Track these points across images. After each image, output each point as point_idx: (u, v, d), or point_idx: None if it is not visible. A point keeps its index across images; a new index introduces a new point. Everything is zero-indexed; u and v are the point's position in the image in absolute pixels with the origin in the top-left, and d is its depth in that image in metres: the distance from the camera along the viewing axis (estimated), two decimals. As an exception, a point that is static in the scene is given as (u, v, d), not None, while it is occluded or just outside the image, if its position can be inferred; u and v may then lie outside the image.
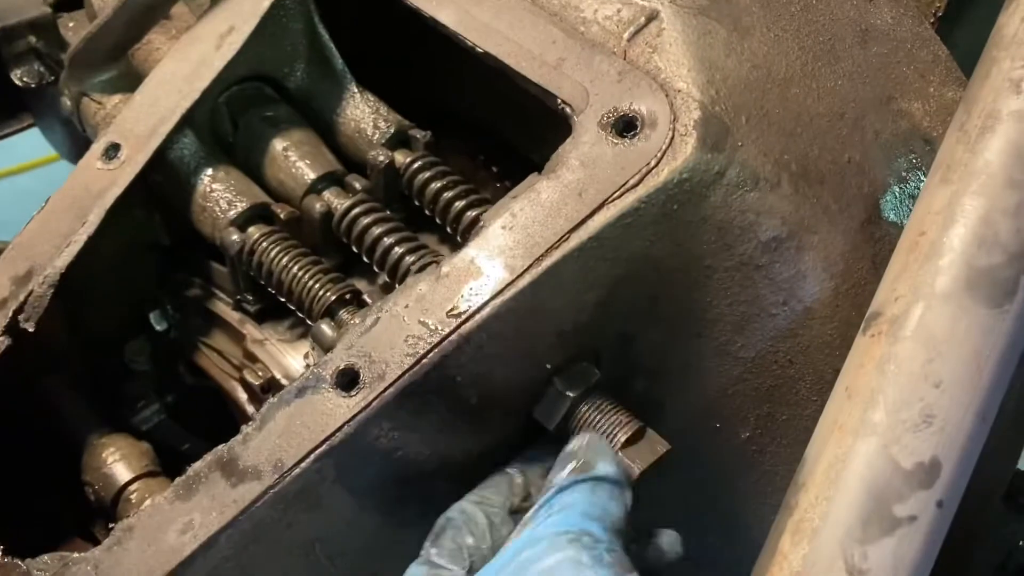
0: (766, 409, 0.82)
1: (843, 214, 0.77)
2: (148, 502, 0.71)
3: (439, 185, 0.92)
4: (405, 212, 0.96)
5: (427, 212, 0.94)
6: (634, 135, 0.73)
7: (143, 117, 0.87)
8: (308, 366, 0.88)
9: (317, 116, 0.99)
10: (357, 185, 0.94)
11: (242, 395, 0.93)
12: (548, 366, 0.76)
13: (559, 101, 0.76)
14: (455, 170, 0.95)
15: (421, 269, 0.86)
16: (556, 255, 0.71)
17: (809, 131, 0.77)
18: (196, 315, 1.00)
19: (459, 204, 0.91)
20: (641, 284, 0.75)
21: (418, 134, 0.97)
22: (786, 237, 0.75)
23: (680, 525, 0.78)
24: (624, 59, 0.76)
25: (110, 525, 0.89)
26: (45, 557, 0.74)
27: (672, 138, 0.72)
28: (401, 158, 0.95)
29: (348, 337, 0.73)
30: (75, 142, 1.20)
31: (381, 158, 0.94)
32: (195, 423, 1.11)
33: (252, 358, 0.91)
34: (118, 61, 0.98)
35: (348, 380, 0.71)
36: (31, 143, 1.41)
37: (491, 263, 0.72)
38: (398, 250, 0.88)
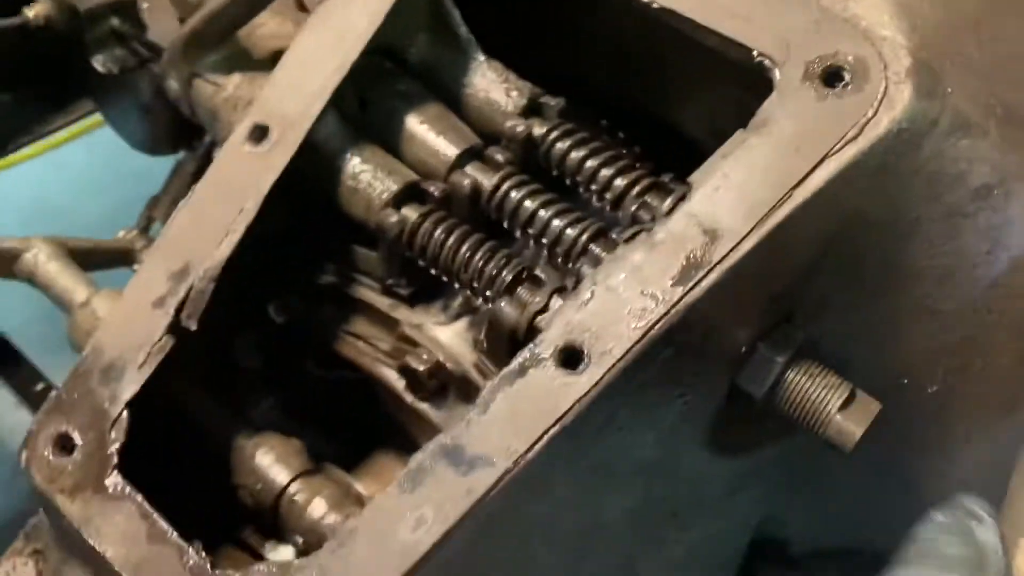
0: (958, 360, 0.81)
1: (1044, 159, 0.76)
2: (374, 500, 0.67)
3: (581, 154, 0.89)
4: (542, 182, 0.93)
5: (568, 182, 0.91)
6: (845, 85, 0.71)
7: (289, 95, 0.82)
8: (480, 347, 0.84)
9: (442, 87, 0.95)
10: (499, 158, 0.90)
11: (399, 383, 0.88)
12: (755, 331, 0.74)
13: (756, 54, 0.73)
14: (591, 136, 0.92)
15: (589, 241, 0.83)
16: (780, 214, 0.68)
17: (1006, 74, 0.76)
18: (330, 303, 0.95)
19: (606, 172, 0.88)
20: (849, 241, 0.73)
21: (551, 101, 0.93)
22: (996, 184, 0.74)
23: (857, 481, 0.77)
24: (819, 8, 0.74)
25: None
26: (259, 567, 0.69)
27: (886, 87, 0.70)
28: (538, 127, 0.91)
29: (563, 314, 0.70)
30: (156, 130, 1.14)
31: (520, 128, 0.90)
32: (312, 417, 1.07)
33: (411, 342, 0.87)
34: (229, 41, 0.92)
35: (572, 358, 0.68)
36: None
37: (710, 225, 0.69)
38: (557, 223, 0.85)
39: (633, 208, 0.84)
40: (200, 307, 0.78)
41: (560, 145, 0.90)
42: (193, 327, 0.78)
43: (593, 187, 0.89)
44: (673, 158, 0.97)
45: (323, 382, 1.02)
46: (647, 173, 0.88)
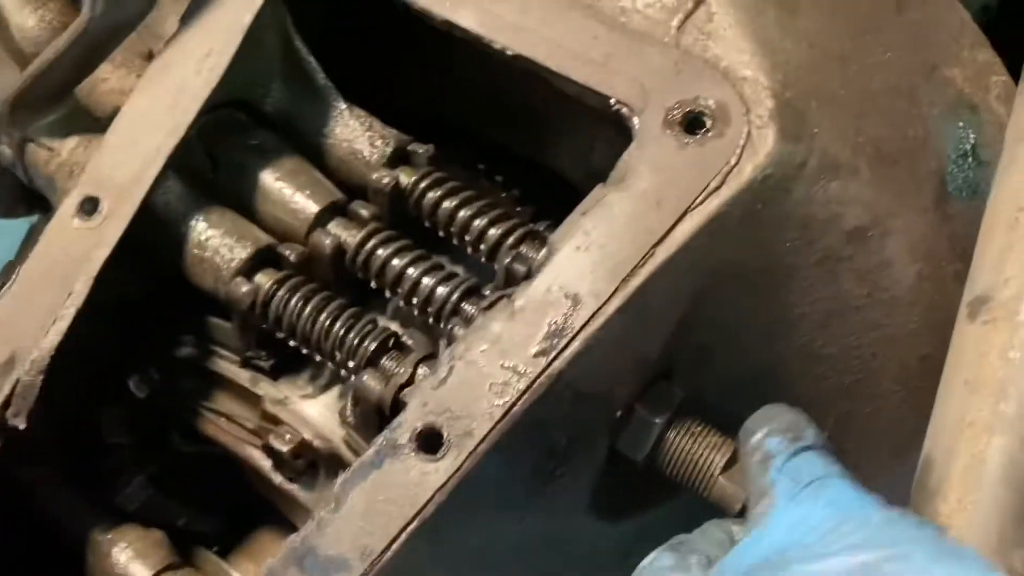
0: (847, 406, 0.78)
1: (918, 194, 0.73)
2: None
3: (453, 204, 0.84)
4: (412, 234, 0.88)
5: (441, 233, 0.86)
6: (705, 132, 0.67)
7: (121, 162, 0.75)
8: (347, 422, 0.79)
9: (302, 139, 0.89)
10: (364, 213, 0.84)
11: (265, 463, 0.82)
12: (630, 393, 0.70)
13: (613, 102, 0.69)
14: (463, 184, 0.87)
15: (460, 300, 0.78)
16: (643, 274, 0.64)
17: (874, 110, 0.73)
18: (190, 377, 0.88)
19: (479, 223, 0.83)
20: (722, 292, 0.70)
21: (419, 149, 0.88)
22: (870, 225, 0.70)
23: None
24: (678, 49, 0.70)
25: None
26: None
27: (749, 131, 0.66)
28: (405, 177, 0.86)
29: (421, 393, 0.64)
30: (3, 195, 1.06)
31: (385, 180, 0.85)
32: (187, 492, 1.00)
33: (274, 420, 0.81)
34: (64, 100, 0.85)
35: (431, 442, 0.63)
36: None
37: (571, 290, 0.65)
38: (427, 281, 0.79)
39: (507, 260, 0.79)
40: (29, 402, 0.71)
41: (431, 195, 0.85)
42: (22, 425, 0.71)
43: (467, 238, 0.84)
44: (556, 197, 0.94)
45: (193, 457, 0.95)
46: (521, 223, 0.84)
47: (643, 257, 0.64)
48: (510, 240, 0.81)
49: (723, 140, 0.66)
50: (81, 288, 0.72)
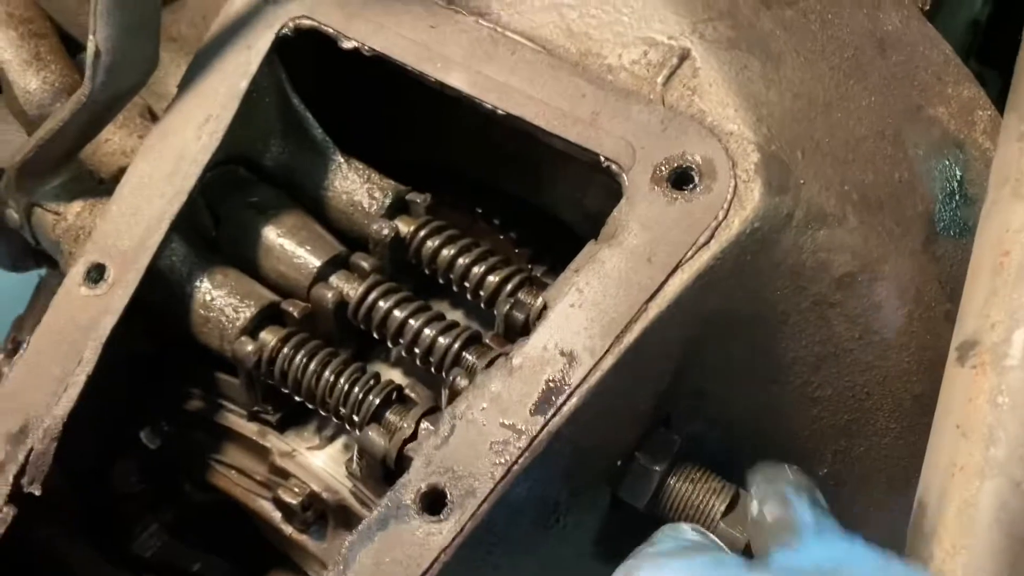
0: (843, 443, 0.79)
1: (906, 237, 0.74)
2: None
3: (451, 252, 0.86)
4: (412, 280, 0.90)
5: (440, 280, 0.88)
6: (693, 187, 0.68)
7: (125, 229, 0.77)
8: (353, 474, 0.80)
9: (301, 192, 0.91)
10: (365, 265, 0.86)
11: (275, 514, 0.84)
12: (629, 442, 0.71)
13: (602, 159, 0.71)
14: (460, 231, 0.89)
15: (461, 349, 0.80)
16: (636, 329, 0.66)
17: (859, 156, 0.74)
18: (200, 429, 0.90)
19: (477, 270, 0.85)
20: (715, 340, 0.71)
21: (417, 198, 0.89)
22: (858, 270, 0.72)
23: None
24: (663, 105, 0.71)
25: None
26: None
27: (735, 186, 0.68)
28: (405, 227, 0.87)
29: (423, 453, 0.66)
30: (12, 249, 1.08)
31: (385, 231, 0.86)
32: (201, 538, 1.02)
33: (283, 473, 0.82)
34: (68, 165, 0.87)
35: (434, 502, 0.64)
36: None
37: (567, 347, 0.66)
38: (428, 332, 0.81)
39: (506, 308, 0.81)
40: (43, 469, 0.73)
41: (430, 244, 0.87)
42: (37, 492, 0.73)
43: (466, 284, 0.86)
44: (552, 235, 0.96)
45: (206, 505, 0.97)
46: (518, 269, 0.85)
47: (636, 313, 0.66)
48: (508, 287, 0.83)
49: (711, 195, 0.68)
50: (90, 355, 0.74)
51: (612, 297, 0.67)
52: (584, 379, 0.65)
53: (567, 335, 0.67)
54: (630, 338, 0.66)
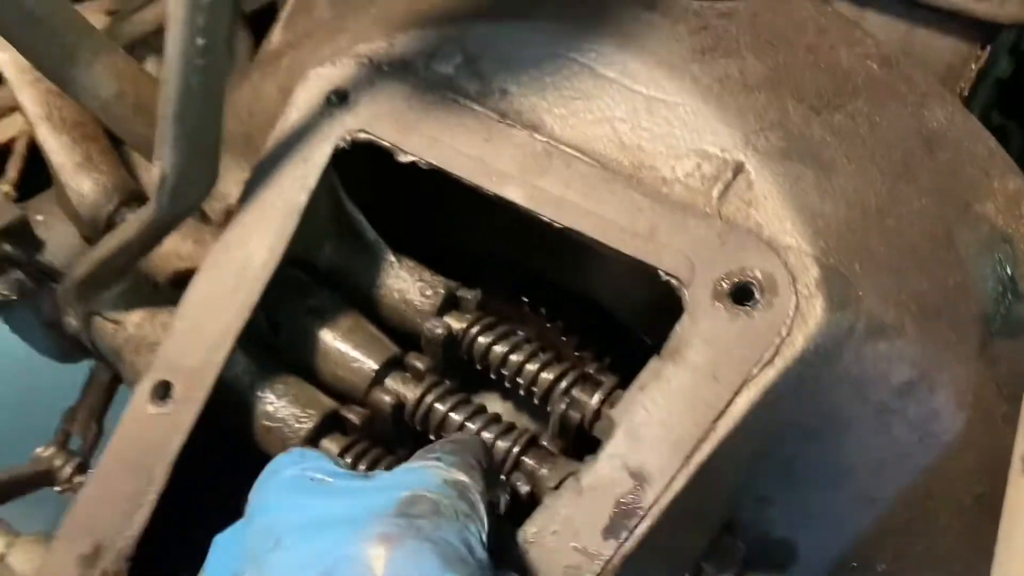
0: (903, 542, 0.80)
1: (962, 344, 0.75)
2: None
3: (504, 349, 0.87)
4: (461, 374, 0.91)
5: (492, 376, 0.89)
6: (755, 303, 0.69)
7: (190, 346, 0.78)
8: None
9: (354, 291, 0.92)
10: (420, 366, 0.87)
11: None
12: (696, 554, 0.72)
13: (662, 274, 0.72)
14: (511, 327, 0.90)
15: (520, 454, 0.80)
16: (706, 449, 0.67)
17: (914, 263, 0.75)
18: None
19: (530, 368, 0.86)
20: (779, 450, 0.72)
21: (467, 294, 0.91)
22: (918, 379, 0.73)
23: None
24: (720, 219, 0.73)
25: None
26: None
27: (797, 301, 0.69)
28: (456, 324, 0.89)
29: (496, 575, 0.67)
30: (64, 343, 1.09)
31: (439, 331, 0.87)
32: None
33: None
34: (127, 275, 0.89)
35: (511, 630, 0.65)
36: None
37: (636, 468, 0.67)
38: (487, 436, 0.82)
39: (562, 407, 0.82)
40: (116, 591, 0.74)
41: (481, 340, 0.88)
42: (110, 614, 0.74)
43: (519, 381, 0.87)
44: (598, 325, 0.97)
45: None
46: (571, 366, 0.86)
47: (704, 432, 0.67)
48: (562, 385, 0.84)
49: (772, 311, 0.69)
50: (160, 474, 0.75)
51: (679, 416, 0.68)
52: (656, 501, 0.66)
53: (636, 455, 0.67)
54: (700, 457, 0.66)
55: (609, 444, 0.68)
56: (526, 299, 1.00)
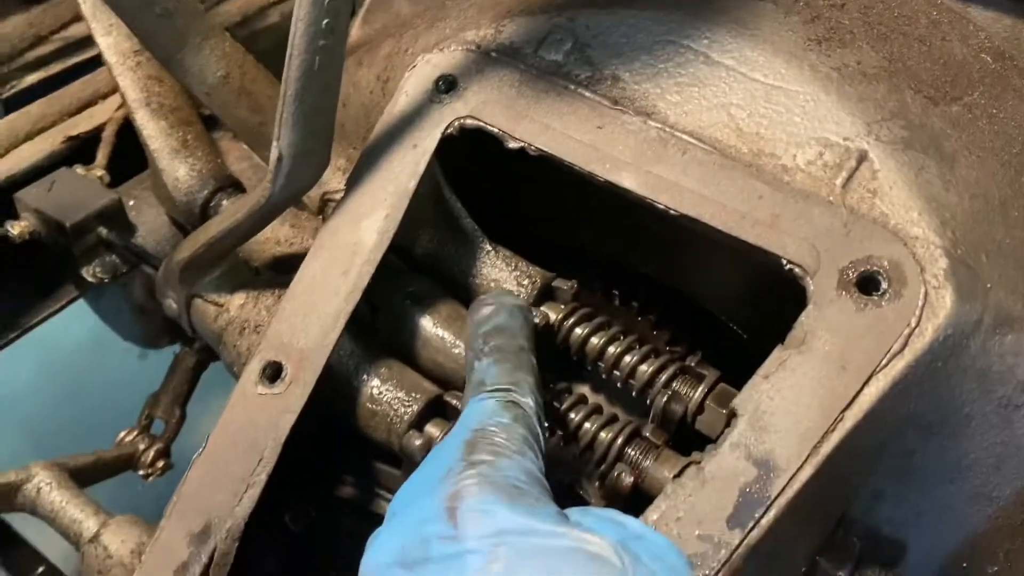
0: (1018, 543, 0.78)
1: (1089, 337, 0.73)
2: None
3: (601, 341, 0.86)
4: (558, 365, 0.90)
5: (588, 367, 0.88)
6: (883, 293, 0.68)
7: (300, 327, 0.78)
8: None
9: (450, 279, 0.92)
10: (518, 355, 0.86)
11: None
12: (813, 548, 0.71)
13: (785, 263, 0.71)
14: (607, 318, 0.89)
15: (624, 445, 0.80)
16: (834, 439, 0.65)
17: (1040, 255, 0.74)
18: (350, 516, 0.91)
19: (628, 359, 0.85)
20: (899, 443, 0.71)
21: (564, 285, 0.90)
22: (1044, 374, 0.71)
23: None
24: (844, 208, 0.72)
25: None
26: None
27: (926, 292, 0.67)
28: (553, 314, 0.88)
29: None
30: (151, 328, 1.10)
31: (536, 320, 0.87)
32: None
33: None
34: (228, 259, 0.89)
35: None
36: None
37: (761, 457, 0.66)
38: (588, 426, 0.82)
39: (664, 400, 0.81)
40: (226, 568, 0.74)
41: (578, 331, 0.87)
42: (219, 591, 0.74)
43: (616, 373, 0.86)
44: (691, 319, 0.96)
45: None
46: (671, 358, 0.86)
47: (833, 423, 0.66)
48: (663, 377, 0.83)
49: (901, 301, 0.67)
50: (270, 455, 0.75)
51: (806, 406, 0.66)
52: (782, 491, 0.65)
53: (761, 444, 0.66)
54: (827, 448, 0.65)
55: (733, 433, 0.67)
56: (616, 292, 0.99)
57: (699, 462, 0.68)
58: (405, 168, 0.82)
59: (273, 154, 0.74)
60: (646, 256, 0.97)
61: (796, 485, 0.65)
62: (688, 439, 0.81)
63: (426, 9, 1.04)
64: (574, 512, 0.57)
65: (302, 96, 0.72)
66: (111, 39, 0.98)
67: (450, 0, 0.98)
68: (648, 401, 0.84)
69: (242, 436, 0.76)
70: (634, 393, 0.86)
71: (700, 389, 0.82)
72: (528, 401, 0.67)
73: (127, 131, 1.09)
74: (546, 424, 0.70)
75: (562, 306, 0.89)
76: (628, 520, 0.56)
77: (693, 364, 0.88)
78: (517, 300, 0.80)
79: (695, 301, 0.96)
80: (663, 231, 0.89)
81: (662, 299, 0.97)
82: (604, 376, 0.87)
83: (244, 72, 0.89)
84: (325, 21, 0.70)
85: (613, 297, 0.98)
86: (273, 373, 0.77)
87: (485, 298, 0.79)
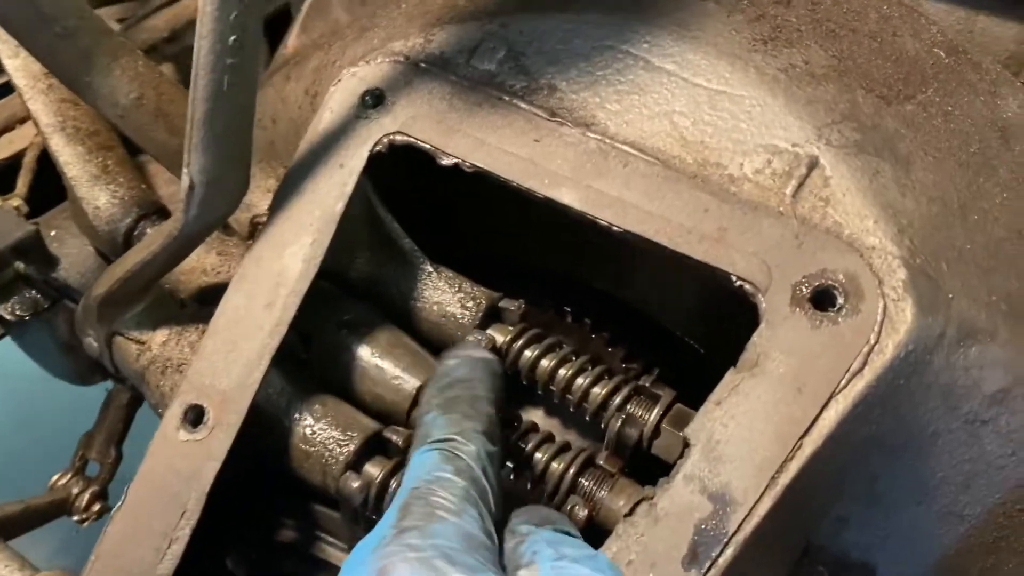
0: (991, 561, 0.74)
1: (1057, 346, 0.70)
2: None
3: (551, 363, 0.81)
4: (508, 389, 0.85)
5: (540, 391, 0.83)
6: (838, 308, 0.64)
7: (222, 366, 0.73)
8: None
9: (388, 304, 0.87)
10: (463, 383, 0.82)
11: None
12: (778, 579, 0.66)
13: (735, 279, 0.67)
14: (557, 339, 0.85)
15: (576, 475, 0.75)
16: (792, 468, 0.61)
17: (1001, 261, 0.70)
18: (291, 560, 0.85)
19: (580, 381, 0.80)
20: (862, 468, 0.67)
21: (511, 305, 0.85)
22: (1011, 385, 0.67)
23: None
24: (795, 219, 0.67)
25: None
26: None
27: (885, 305, 0.63)
28: (500, 337, 0.83)
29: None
30: (80, 365, 1.04)
31: (483, 344, 0.82)
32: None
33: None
34: (150, 291, 0.83)
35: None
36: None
37: (716, 490, 0.62)
38: (539, 456, 0.77)
39: (618, 424, 0.77)
40: (149, 631, 0.68)
41: (527, 354, 0.83)
42: (141, 653, 0.68)
43: (569, 397, 0.81)
44: (645, 334, 0.92)
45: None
46: (624, 380, 0.81)
47: (791, 451, 0.61)
48: (617, 400, 0.79)
49: (859, 317, 0.63)
50: (194, 506, 0.69)
51: (762, 433, 0.62)
52: (740, 526, 0.60)
53: (716, 477, 0.62)
54: (786, 478, 0.61)
55: (686, 464, 0.63)
56: (568, 309, 0.94)
57: (651, 497, 0.63)
58: (332, 190, 0.77)
59: (184, 181, 0.69)
60: (595, 271, 0.92)
61: (755, 519, 0.61)
62: (647, 461, 0.77)
63: (358, 18, 0.99)
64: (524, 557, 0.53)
65: (211, 119, 0.66)
66: (19, 60, 0.92)
67: (380, 8, 0.92)
68: (602, 425, 0.80)
69: (164, 487, 0.71)
70: (587, 417, 0.81)
71: (655, 411, 0.77)
72: (471, 449, 0.62)
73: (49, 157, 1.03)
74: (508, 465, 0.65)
75: (510, 328, 0.84)
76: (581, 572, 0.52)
77: (648, 384, 0.84)
78: (484, 353, 0.75)
79: (649, 316, 0.92)
80: (610, 246, 0.85)
81: (616, 314, 0.92)
82: (556, 400, 0.83)
83: (160, 93, 0.83)
84: (232, 38, 0.64)
85: (565, 314, 0.94)
86: (195, 417, 0.72)
87: (449, 352, 0.75)
